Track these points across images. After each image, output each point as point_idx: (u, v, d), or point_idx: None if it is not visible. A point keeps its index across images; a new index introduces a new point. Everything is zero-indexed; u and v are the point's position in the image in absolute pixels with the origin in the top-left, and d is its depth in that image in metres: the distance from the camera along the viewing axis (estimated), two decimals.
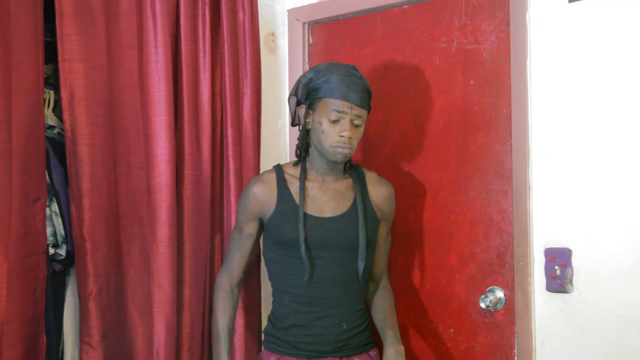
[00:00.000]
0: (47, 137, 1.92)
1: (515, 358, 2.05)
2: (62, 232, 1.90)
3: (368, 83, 1.90)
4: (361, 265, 1.88)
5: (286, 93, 2.61)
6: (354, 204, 1.92)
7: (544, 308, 2.00)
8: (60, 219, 1.89)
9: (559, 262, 1.95)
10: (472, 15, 2.18)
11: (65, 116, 1.84)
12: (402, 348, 1.92)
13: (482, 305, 2.07)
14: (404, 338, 2.30)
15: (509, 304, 2.07)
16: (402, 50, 2.34)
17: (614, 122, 1.88)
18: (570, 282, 1.94)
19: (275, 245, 1.94)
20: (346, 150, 1.84)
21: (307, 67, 2.58)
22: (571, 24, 1.96)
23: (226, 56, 2.20)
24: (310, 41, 2.59)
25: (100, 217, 1.88)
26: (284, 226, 1.90)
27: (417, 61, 2.31)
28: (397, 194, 2.32)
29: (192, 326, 2.10)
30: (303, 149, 1.95)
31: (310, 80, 1.88)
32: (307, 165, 1.97)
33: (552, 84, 1.99)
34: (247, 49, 2.27)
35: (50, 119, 2.02)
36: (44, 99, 1.93)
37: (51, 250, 1.87)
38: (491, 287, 2.12)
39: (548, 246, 1.99)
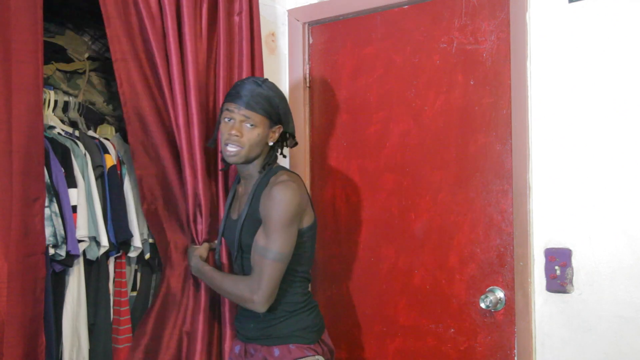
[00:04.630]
0: (47, 137, 1.93)
1: (515, 358, 2.05)
2: (62, 232, 1.90)
3: (274, 95, 1.96)
4: (236, 265, 2.01)
5: (286, 93, 2.61)
6: (244, 208, 1.99)
7: (544, 308, 2.00)
8: (60, 219, 1.89)
9: (559, 262, 1.95)
10: (472, 16, 2.18)
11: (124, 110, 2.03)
12: (198, 258, 2.08)
13: (482, 305, 2.07)
14: (405, 338, 2.30)
15: (509, 304, 2.07)
16: (402, 50, 2.34)
17: (614, 123, 1.88)
18: (571, 282, 1.94)
19: None
20: (234, 149, 1.91)
21: (307, 67, 2.58)
22: (571, 24, 1.96)
23: (221, 57, 2.21)
24: (310, 41, 2.59)
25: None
26: (221, 225, 2.11)
27: (417, 61, 2.31)
28: (397, 194, 2.33)
29: None
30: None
31: None
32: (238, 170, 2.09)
33: (552, 84, 1.99)
34: (244, 49, 2.27)
35: (50, 119, 2.02)
36: (44, 99, 1.93)
37: (51, 251, 1.87)
38: (491, 287, 2.12)
39: (548, 246, 1.99)
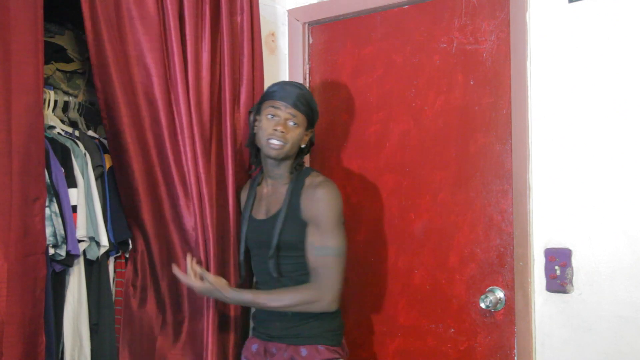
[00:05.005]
0: (47, 137, 1.93)
1: (515, 358, 2.05)
2: (62, 232, 1.90)
3: (313, 100, 2.07)
4: (270, 263, 1.99)
5: None
6: (281, 207, 2.02)
7: (544, 308, 1.99)
8: (60, 219, 1.89)
9: (559, 262, 1.95)
10: (472, 16, 2.18)
11: (103, 116, 1.97)
12: (224, 288, 1.96)
13: (482, 305, 2.07)
14: (405, 338, 2.30)
15: (509, 304, 2.07)
16: (402, 50, 2.34)
17: (614, 123, 1.88)
18: (570, 282, 1.94)
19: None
20: (278, 143, 1.98)
21: (307, 67, 2.58)
22: (571, 24, 1.96)
23: (225, 57, 2.21)
24: (310, 41, 2.59)
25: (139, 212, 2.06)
26: (242, 226, 2.14)
27: (417, 61, 2.31)
28: (397, 194, 2.33)
29: None
30: (253, 153, 2.14)
31: (263, 93, 2.12)
32: (263, 171, 2.14)
33: (552, 84, 1.99)
34: (245, 49, 2.27)
35: (50, 119, 2.02)
36: (44, 99, 1.93)
37: (51, 251, 1.87)
38: (491, 287, 2.12)
39: (548, 246, 1.99)
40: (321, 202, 1.95)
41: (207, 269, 2.07)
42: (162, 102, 2.05)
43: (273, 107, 2.00)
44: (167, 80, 2.06)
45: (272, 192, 2.08)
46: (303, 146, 2.07)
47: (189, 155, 2.07)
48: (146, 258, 2.14)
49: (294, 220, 1.98)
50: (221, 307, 2.15)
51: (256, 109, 2.09)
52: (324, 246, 1.92)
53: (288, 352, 1.98)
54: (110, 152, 2.04)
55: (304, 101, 2.02)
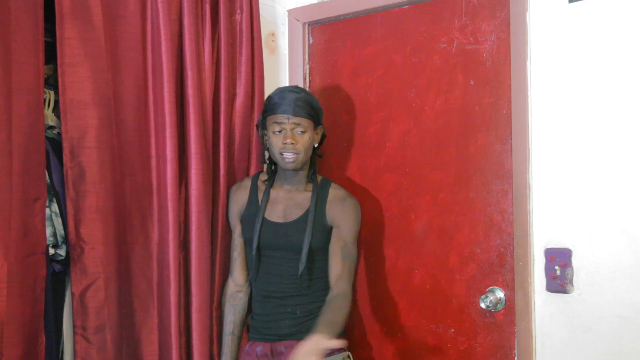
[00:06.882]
0: (47, 137, 1.93)
1: (516, 358, 2.05)
2: (62, 232, 1.90)
3: (312, 98, 2.12)
4: (301, 267, 2.04)
5: None
6: (306, 213, 2.10)
7: (544, 308, 2.00)
8: (60, 219, 1.90)
9: (559, 262, 1.95)
10: (472, 16, 2.18)
11: (63, 118, 1.87)
12: (321, 337, 1.83)
13: (482, 305, 2.07)
14: (405, 338, 2.30)
15: (509, 304, 2.07)
16: (402, 50, 2.34)
17: (614, 123, 1.89)
18: (571, 282, 1.94)
19: (245, 243, 2.20)
20: (292, 156, 2.05)
21: (307, 68, 2.58)
22: (571, 24, 1.96)
23: (222, 57, 2.21)
24: (311, 41, 2.59)
25: (97, 217, 1.90)
26: (248, 226, 2.14)
27: (417, 61, 2.31)
28: (397, 194, 2.33)
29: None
30: (272, 162, 2.20)
31: (264, 106, 2.15)
32: (277, 175, 2.20)
33: (552, 84, 1.99)
34: (245, 49, 2.28)
35: (50, 119, 2.02)
36: (44, 99, 1.93)
37: (51, 251, 1.87)
38: (491, 287, 2.12)
39: (548, 246, 1.99)
40: (353, 212, 2.13)
41: (189, 264, 2.10)
42: (138, 102, 2.02)
43: (276, 122, 2.05)
44: (148, 81, 2.04)
45: (288, 197, 2.15)
46: (316, 145, 2.15)
47: (169, 156, 2.03)
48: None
49: (320, 227, 2.09)
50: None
51: (261, 123, 2.14)
52: (350, 252, 2.09)
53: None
54: (65, 154, 1.88)
55: (303, 104, 2.06)
